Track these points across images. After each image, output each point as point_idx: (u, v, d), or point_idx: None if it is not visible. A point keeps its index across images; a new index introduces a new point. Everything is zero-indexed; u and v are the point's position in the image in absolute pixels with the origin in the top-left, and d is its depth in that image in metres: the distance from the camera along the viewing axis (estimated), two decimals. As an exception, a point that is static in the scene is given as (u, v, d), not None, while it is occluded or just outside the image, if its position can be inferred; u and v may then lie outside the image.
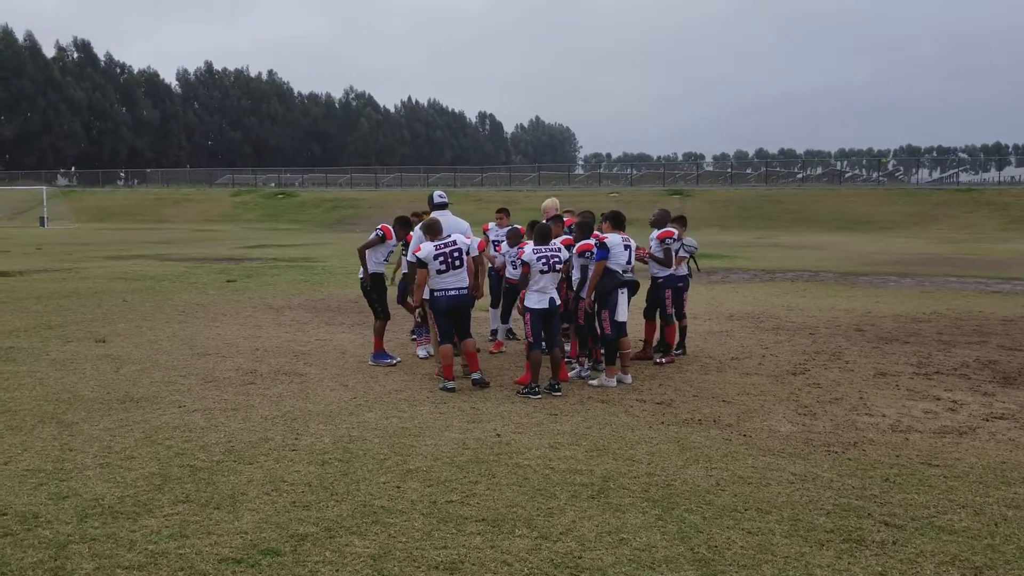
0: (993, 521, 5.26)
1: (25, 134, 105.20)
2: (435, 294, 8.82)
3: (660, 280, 10.35)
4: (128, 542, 4.92)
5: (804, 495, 5.69)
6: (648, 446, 6.79)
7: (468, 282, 8.89)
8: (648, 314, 10.63)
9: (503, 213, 11.52)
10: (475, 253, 9.13)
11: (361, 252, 10.18)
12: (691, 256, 10.84)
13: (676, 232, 10.43)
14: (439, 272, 8.73)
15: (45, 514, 5.34)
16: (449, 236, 8.92)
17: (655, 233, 10.37)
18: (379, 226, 10.22)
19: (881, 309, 14.71)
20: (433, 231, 8.94)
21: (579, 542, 4.93)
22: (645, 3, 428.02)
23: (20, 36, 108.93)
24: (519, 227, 10.61)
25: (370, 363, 10.05)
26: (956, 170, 79.17)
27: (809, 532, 5.08)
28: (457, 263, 8.75)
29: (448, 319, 8.84)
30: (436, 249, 8.74)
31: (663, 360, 10.14)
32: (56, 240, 37.74)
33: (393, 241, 10.34)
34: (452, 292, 8.76)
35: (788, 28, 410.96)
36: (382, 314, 10.16)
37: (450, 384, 8.70)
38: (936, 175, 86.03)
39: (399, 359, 10.21)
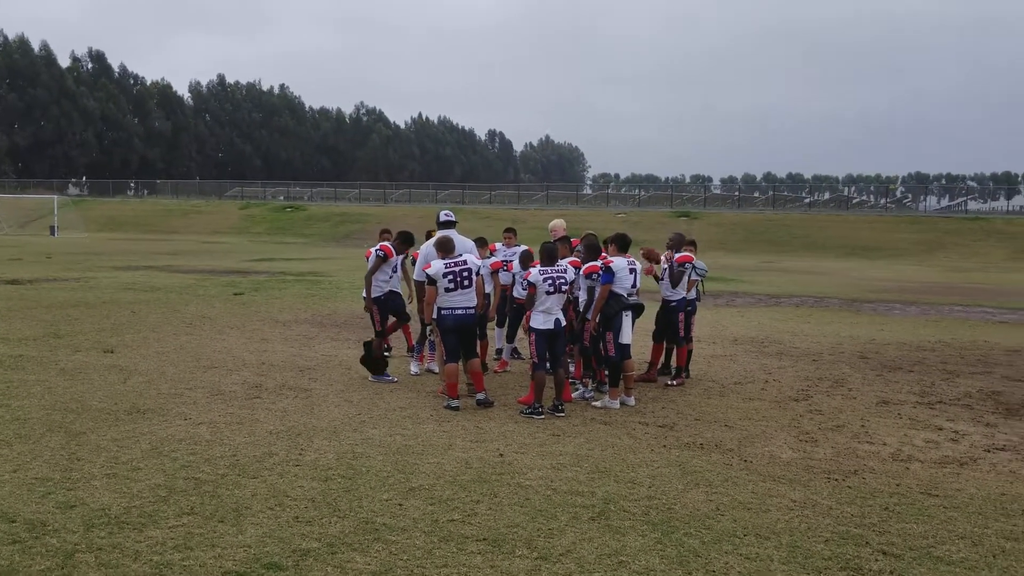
0: (991, 553, 5.28)
1: (38, 143, 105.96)
2: (442, 312, 8.88)
3: (673, 303, 10.42)
4: (134, 552, 4.98)
5: (803, 522, 5.72)
6: (649, 469, 6.83)
7: (476, 302, 8.95)
8: (657, 337, 10.69)
9: (510, 233, 11.60)
10: (485, 272, 9.21)
11: (368, 279, 10.24)
12: (701, 280, 10.91)
13: (694, 259, 10.53)
14: (447, 290, 8.79)
15: (52, 523, 5.41)
16: (460, 255, 9.00)
17: (674, 256, 10.44)
18: (378, 245, 10.30)
19: (886, 337, 14.72)
20: (445, 249, 9.00)
21: (578, 564, 4.97)
22: (656, 25, 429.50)
23: (36, 46, 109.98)
24: (530, 248, 10.69)
25: (371, 379, 10.11)
26: (965, 198, 79.11)
27: (807, 559, 5.11)
28: (466, 282, 8.81)
29: (455, 337, 8.89)
30: (446, 267, 8.81)
31: (673, 383, 10.19)
32: (66, 249, 37.96)
33: (396, 258, 10.45)
34: (459, 311, 8.82)
35: (798, 53, 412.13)
36: (382, 332, 10.27)
37: (454, 403, 8.75)
38: (944, 202, 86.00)
39: (398, 378, 10.28)
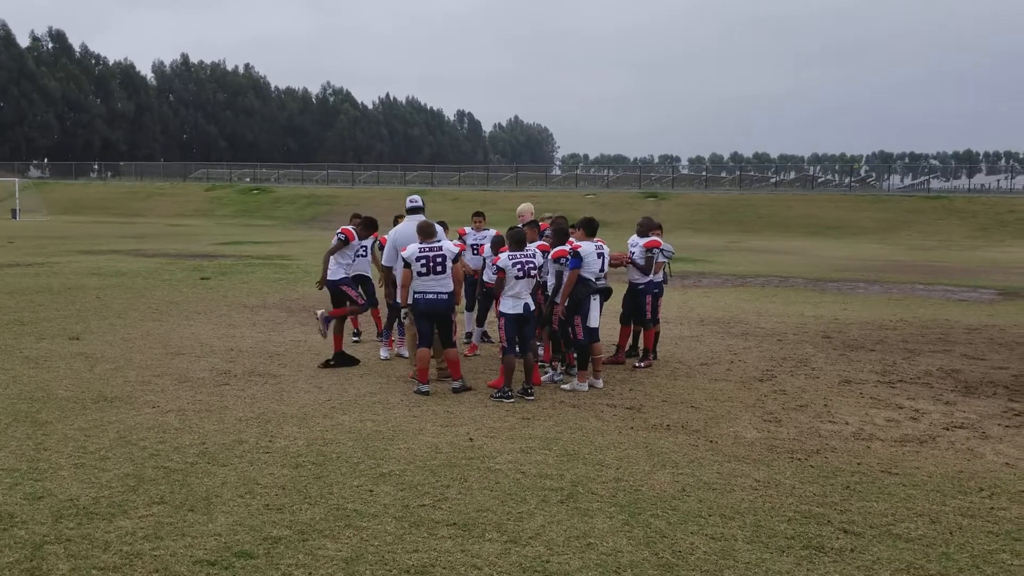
0: (948, 530, 5.41)
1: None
2: (415, 296, 8.88)
3: (641, 286, 10.51)
4: (103, 543, 4.98)
5: (767, 502, 5.83)
6: (617, 451, 6.92)
7: (450, 288, 8.89)
8: (624, 319, 10.79)
9: (480, 217, 11.60)
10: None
11: (325, 258, 10.24)
12: (668, 261, 11.01)
13: (662, 243, 10.62)
14: (419, 274, 8.78)
15: (20, 514, 5.38)
16: (438, 241, 8.98)
17: (642, 241, 10.52)
18: (340, 230, 10.30)
19: (849, 316, 14.94)
20: (424, 233, 8.98)
21: (547, 546, 5.05)
22: (625, 4, 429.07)
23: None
24: (499, 232, 10.72)
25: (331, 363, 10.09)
26: (927, 177, 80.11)
27: (770, 538, 5.22)
28: (439, 268, 8.79)
29: (428, 322, 8.90)
30: (420, 251, 8.81)
31: (641, 365, 10.29)
32: (28, 233, 37.32)
33: (357, 242, 10.45)
34: (430, 296, 8.81)
35: (764, 35, 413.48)
36: (366, 304, 10.36)
37: (424, 388, 8.79)
38: (908, 181, 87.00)
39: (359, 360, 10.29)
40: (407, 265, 8.84)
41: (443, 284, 8.83)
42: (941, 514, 5.67)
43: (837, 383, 9.60)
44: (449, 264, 8.84)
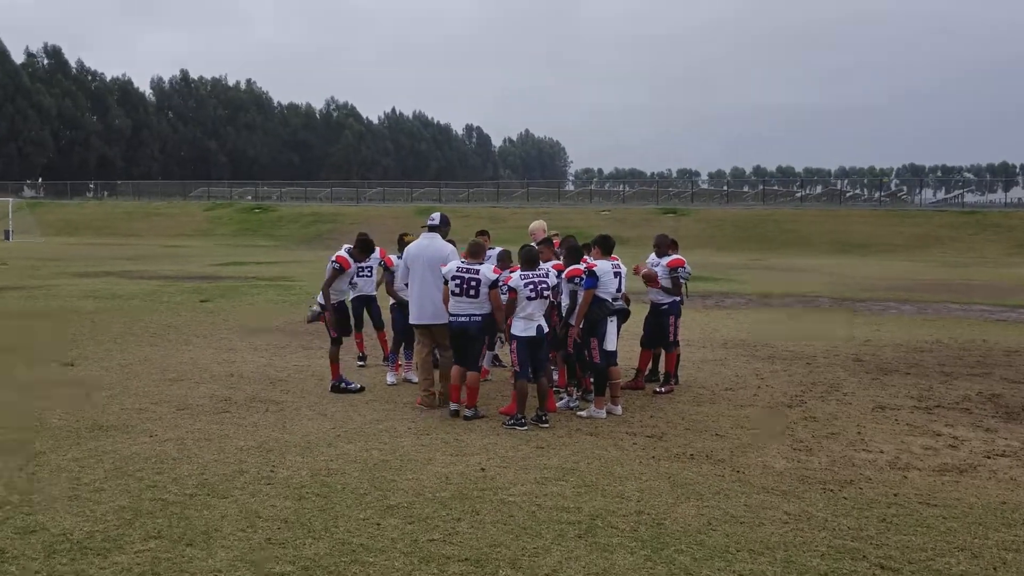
0: (992, 565, 5.18)
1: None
2: (450, 316, 8.79)
3: (664, 306, 10.23)
4: (97, 581, 4.76)
5: (798, 536, 5.59)
6: (638, 482, 6.66)
7: (484, 310, 8.70)
8: (647, 343, 10.48)
9: (484, 235, 11.31)
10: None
11: (325, 291, 9.85)
12: (685, 282, 10.72)
13: (686, 262, 10.35)
14: (453, 294, 8.70)
15: (11, 550, 5.23)
16: (478, 264, 8.80)
17: (663, 261, 10.26)
18: (334, 257, 9.90)
19: (881, 337, 14.52)
20: (471, 254, 8.89)
21: (565, 585, 4.80)
22: (639, 15, 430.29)
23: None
24: (508, 249, 10.45)
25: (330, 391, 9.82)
26: (961, 191, 79.03)
27: (802, 575, 4.99)
28: (471, 292, 8.64)
29: (458, 342, 8.79)
30: (457, 271, 8.71)
31: (662, 390, 9.98)
32: (22, 255, 37.06)
33: (353, 268, 10.14)
34: (463, 318, 8.68)
35: (789, 45, 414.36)
36: (337, 339, 9.91)
37: (453, 406, 8.71)
38: (940, 195, 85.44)
39: (361, 385, 10.01)
40: (446, 282, 8.76)
41: (477, 307, 8.69)
42: (983, 548, 5.44)
43: (871, 409, 9.26)
44: (483, 289, 8.67)
